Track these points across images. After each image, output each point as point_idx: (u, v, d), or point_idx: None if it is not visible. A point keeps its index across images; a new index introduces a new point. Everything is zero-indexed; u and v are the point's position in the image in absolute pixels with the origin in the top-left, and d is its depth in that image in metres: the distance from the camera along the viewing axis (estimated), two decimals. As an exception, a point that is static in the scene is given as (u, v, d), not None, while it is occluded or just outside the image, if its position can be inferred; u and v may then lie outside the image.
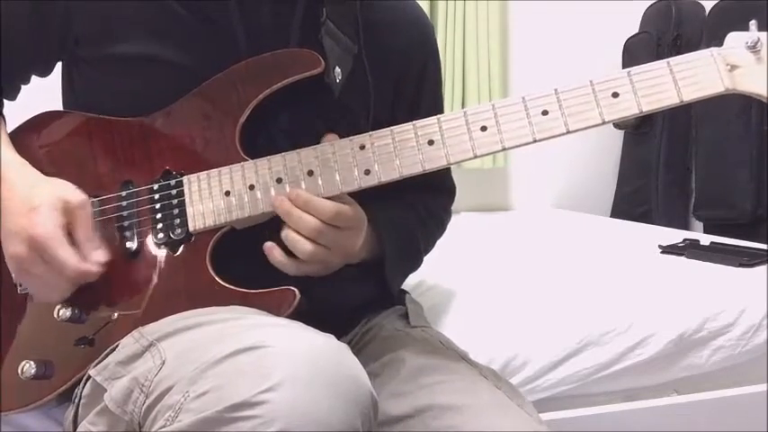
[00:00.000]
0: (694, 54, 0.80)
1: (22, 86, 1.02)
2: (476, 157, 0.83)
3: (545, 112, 0.81)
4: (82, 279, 0.86)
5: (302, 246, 0.85)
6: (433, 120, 0.85)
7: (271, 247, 0.87)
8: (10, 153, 0.91)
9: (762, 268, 1.56)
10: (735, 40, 0.79)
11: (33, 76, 1.00)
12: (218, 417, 0.62)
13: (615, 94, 0.80)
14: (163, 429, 0.65)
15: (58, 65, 1.00)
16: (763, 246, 1.77)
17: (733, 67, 0.78)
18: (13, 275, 0.90)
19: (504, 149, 0.82)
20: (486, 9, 2.69)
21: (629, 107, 0.80)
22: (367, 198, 0.90)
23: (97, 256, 0.86)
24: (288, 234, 0.86)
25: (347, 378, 0.66)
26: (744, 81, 0.78)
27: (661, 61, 0.80)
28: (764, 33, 0.77)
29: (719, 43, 0.80)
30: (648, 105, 0.80)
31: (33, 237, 0.82)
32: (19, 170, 0.89)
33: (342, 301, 0.98)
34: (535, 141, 0.82)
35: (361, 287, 1.01)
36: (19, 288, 0.91)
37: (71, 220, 0.85)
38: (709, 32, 2.63)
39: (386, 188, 0.87)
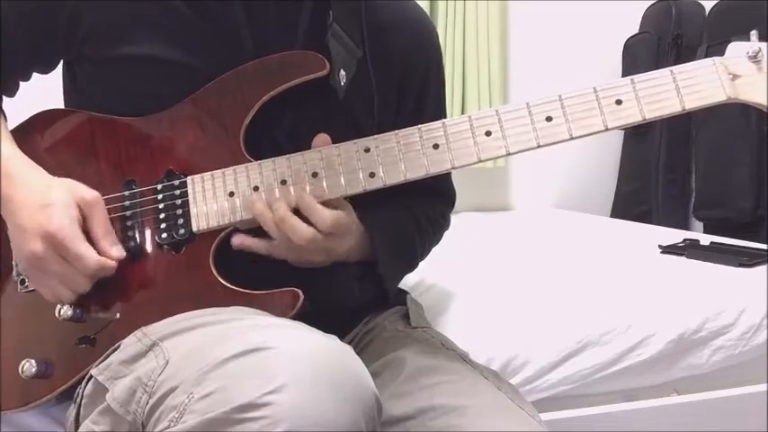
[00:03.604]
0: (697, 63, 0.81)
1: (22, 83, 1.01)
2: (480, 161, 0.83)
3: (549, 119, 0.82)
4: (100, 274, 0.85)
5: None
6: (438, 124, 0.85)
7: (242, 238, 0.88)
8: (11, 149, 0.91)
9: (762, 268, 1.56)
10: (736, 49, 0.80)
11: (34, 73, 1.00)
12: (223, 418, 0.62)
13: (618, 102, 0.81)
14: (167, 430, 0.65)
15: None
16: (763, 246, 1.76)
17: (735, 77, 0.79)
18: (19, 273, 0.90)
19: (508, 154, 0.83)
20: (486, 9, 2.68)
21: (633, 114, 0.81)
22: (364, 200, 0.90)
23: (116, 251, 0.86)
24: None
25: (351, 379, 0.67)
26: (745, 90, 0.79)
27: (664, 69, 0.81)
28: (765, 44, 0.78)
29: (720, 47, 0.81)
30: (651, 113, 0.81)
31: (50, 233, 0.82)
32: (26, 167, 0.89)
33: (343, 301, 0.98)
34: (539, 147, 0.82)
35: (362, 287, 1.01)
36: (19, 287, 0.91)
37: (86, 216, 0.86)
38: (710, 33, 2.63)
39: (384, 191, 0.87)
